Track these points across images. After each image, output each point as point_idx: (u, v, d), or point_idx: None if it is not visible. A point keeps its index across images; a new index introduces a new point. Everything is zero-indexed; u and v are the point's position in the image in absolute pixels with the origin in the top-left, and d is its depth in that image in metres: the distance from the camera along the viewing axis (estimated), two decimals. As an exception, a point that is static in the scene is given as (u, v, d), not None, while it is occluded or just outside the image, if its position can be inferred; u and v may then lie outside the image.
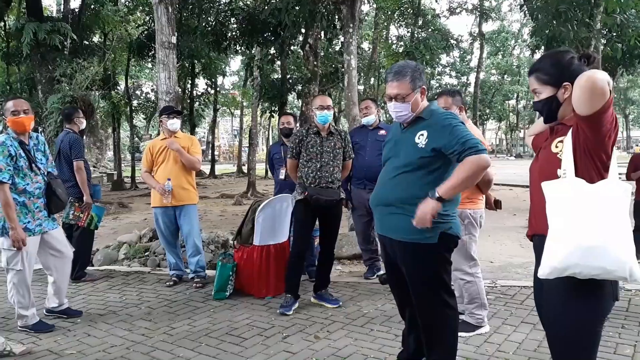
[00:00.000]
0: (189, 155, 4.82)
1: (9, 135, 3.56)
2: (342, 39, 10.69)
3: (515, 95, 43.16)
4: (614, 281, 1.81)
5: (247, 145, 19.69)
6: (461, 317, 3.42)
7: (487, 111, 41.35)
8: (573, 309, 1.84)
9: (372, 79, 20.20)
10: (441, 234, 2.46)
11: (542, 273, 1.80)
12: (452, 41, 17.19)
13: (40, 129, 11.12)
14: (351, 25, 7.29)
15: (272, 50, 13.89)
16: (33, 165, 3.62)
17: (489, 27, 34.60)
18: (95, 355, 3.24)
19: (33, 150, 3.69)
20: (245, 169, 23.78)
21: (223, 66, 23.85)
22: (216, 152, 30.05)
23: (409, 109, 2.55)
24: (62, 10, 15.87)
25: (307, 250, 4.79)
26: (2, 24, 15.23)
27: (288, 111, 17.59)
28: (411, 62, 2.65)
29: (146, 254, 6.00)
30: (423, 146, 2.46)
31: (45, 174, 3.75)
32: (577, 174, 1.80)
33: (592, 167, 1.79)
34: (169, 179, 4.69)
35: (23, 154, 3.57)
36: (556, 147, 1.90)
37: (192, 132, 20.05)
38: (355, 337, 3.44)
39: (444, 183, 2.39)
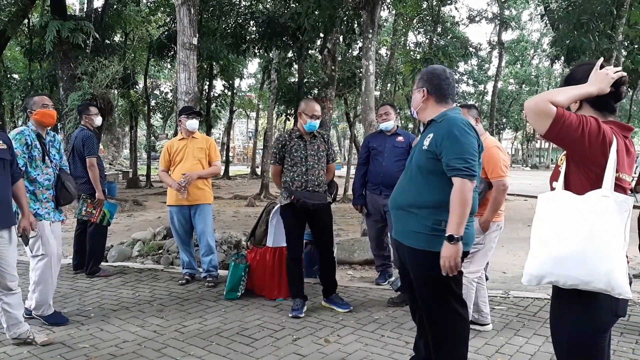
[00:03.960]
0: (209, 169, 4.96)
1: (28, 127, 3.80)
2: (360, 44, 10.69)
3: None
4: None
5: (262, 147, 19.77)
6: None
7: (504, 120, 41.00)
8: (564, 318, 1.87)
9: (389, 84, 20.15)
10: None
11: (523, 280, 1.85)
12: (470, 49, 17.04)
13: (60, 126, 11.28)
14: (370, 30, 7.29)
15: (290, 54, 13.95)
16: (46, 157, 3.82)
17: (508, 36, 34.29)
18: (107, 350, 3.28)
19: (48, 145, 3.90)
20: (258, 171, 23.86)
21: (241, 68, 23.98)
22: (230, 154, 30.21)
23: (412, 103, 2.72)
24: (85, 9, 16.06)
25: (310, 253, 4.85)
26: (26, 21, 15.48)
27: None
28: (436, 66, 2.70)
29: (160, 251, 6.06)
30: (426, 148, 2.48)
31: (57, 168, 3.93)
32: (569, 186, 1.82)
33: (585, 179, 1.79)
34: (184, 174, 4.77)
35: (39, 146, 3.78)
36: (561, 160, 1.92)
37: (208, 133, 20.17)
38: (365, 343, 3.44)
39: (448, 223, 2.36)
